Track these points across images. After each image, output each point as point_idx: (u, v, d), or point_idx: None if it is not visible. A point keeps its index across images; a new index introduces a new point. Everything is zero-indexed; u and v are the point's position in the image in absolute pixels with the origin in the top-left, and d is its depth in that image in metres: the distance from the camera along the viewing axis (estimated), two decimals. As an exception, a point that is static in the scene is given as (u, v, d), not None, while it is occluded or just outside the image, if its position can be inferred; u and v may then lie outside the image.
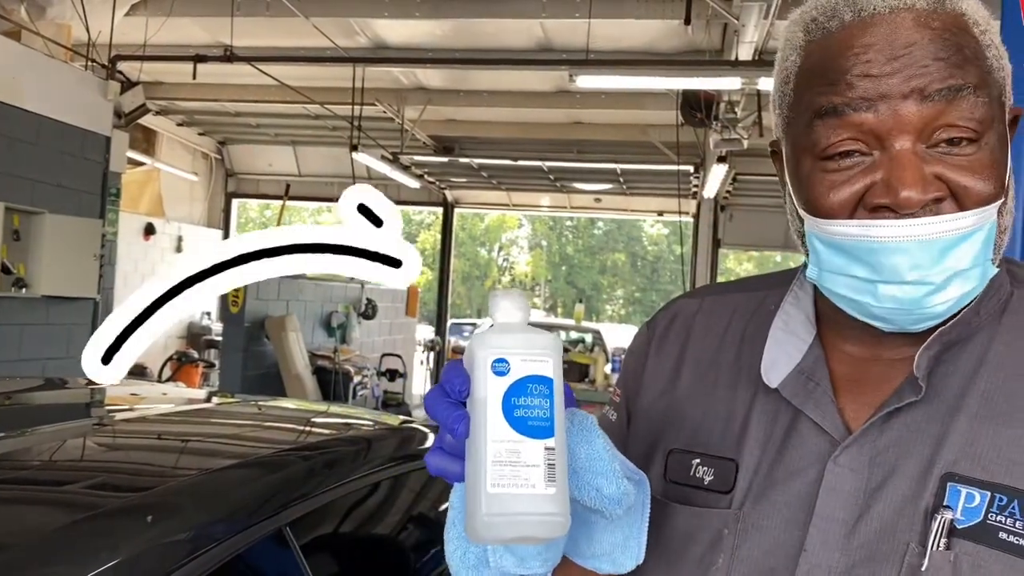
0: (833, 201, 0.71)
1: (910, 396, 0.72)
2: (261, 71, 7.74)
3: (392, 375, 9.29)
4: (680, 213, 10.58)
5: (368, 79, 8.46)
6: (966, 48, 0.69)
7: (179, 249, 11.82)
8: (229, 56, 7.09)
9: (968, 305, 0.73)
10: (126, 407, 1.95)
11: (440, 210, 14.11)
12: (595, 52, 6.92)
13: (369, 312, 9.41)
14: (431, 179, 12.63)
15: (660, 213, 14.11)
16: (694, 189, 11.38)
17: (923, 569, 0.67)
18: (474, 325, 19.69)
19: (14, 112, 5.25)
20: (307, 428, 1.91)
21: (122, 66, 7.51)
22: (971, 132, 0.68)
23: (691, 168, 10.52)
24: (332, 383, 7.72)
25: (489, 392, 0.62)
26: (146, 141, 11.11)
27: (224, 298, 7.26)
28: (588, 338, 10.64)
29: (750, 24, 5.81)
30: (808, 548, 0.72)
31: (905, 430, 0.72)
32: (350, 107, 8.56)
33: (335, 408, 2.45)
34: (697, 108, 7.58)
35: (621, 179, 12.15)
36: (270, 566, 1.38)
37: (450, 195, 13.80)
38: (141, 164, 11.06)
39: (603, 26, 6.68)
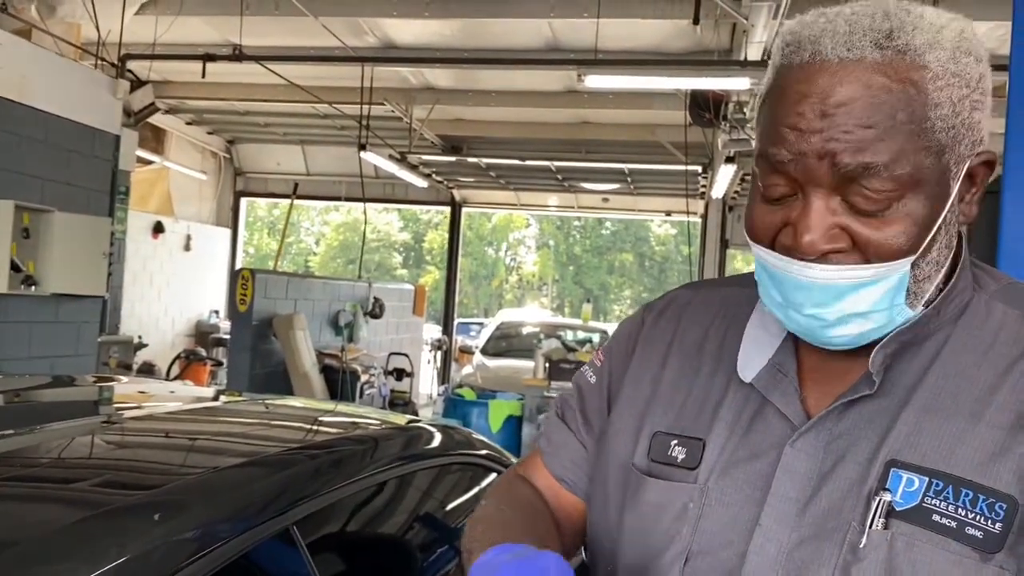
0: (759, 228, 0.79)
1: (864, 390, 0.78)
2: (270, 70, 7.75)
3: (399, 374, 9.30)
4: (688, 213, 10.57)
5: (377, 78, 8.48)
6: (901, 112, 0.71)
7: (188, 248, 11.87)
8: (238, 55, 7.11)
9: (930, 306, 0.79)
10: (134, 405, 1.95)
11: (448, 209, 14.11)
12: (603, 52, 6.91)
13: (376, 311, 9.41)
14: (439, 178, 12.64)
15: (668, 213, 14.10)
16: (702, 189, 11.36)
17: (861, 546, 0.73)
18: (481, 324, 19.68)
19: (24, 110, 5.28)
20: (314, 427, 1.91)
21: (131, 65, 7.54)
22: (877, 204, 0.72)
23: (699, 168, 10.50)
24: (339, 382, 7.73)
25: None
26: (155, 140, 11.15)
27: (232, 296, 7.27)
28: (595, 338, 10.65)
29: (759, 24, 5.80)
30: (763, 523, 0.78)
31: (859, 420, 0.79)
32: (358, 106, 8.58)
33: (342, 407, 2.46)
34: (706, 108, 7.57)
35: (629, 179, 12.14)
36: (277, 565, 1.38)
37: (458, 194, 13.81)
38: (150, 163, 11.10)
39: (611, 26, 6.68)
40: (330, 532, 1.55)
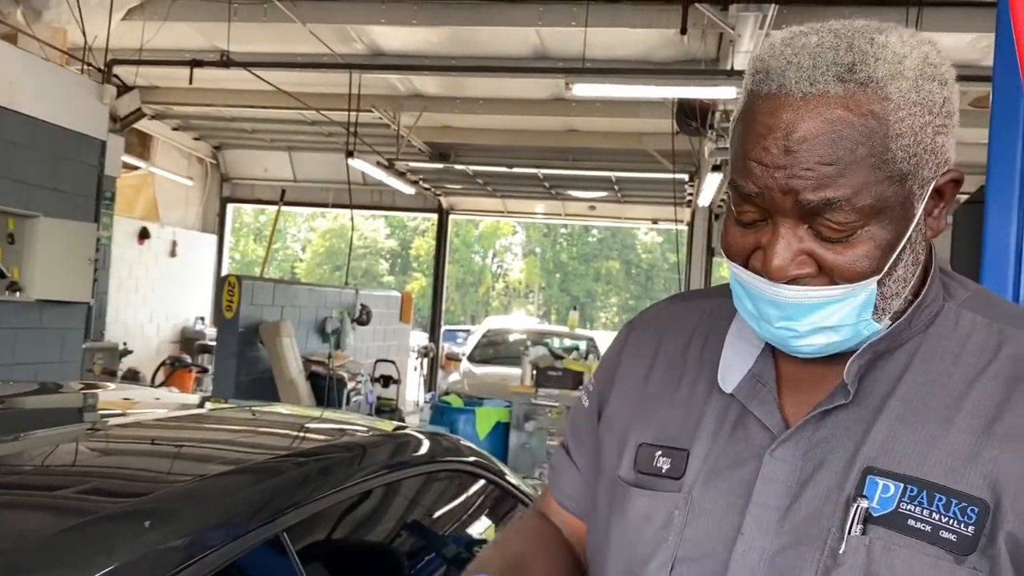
0: (733, 249, 0.82)
1: (840, 399, 0.81)
2: (258, 76, 7.75)
3: (386, 381, 9.28)
4: (675, 221, 10.61)
5: (364, 85, 8.47)
6: (862, 146, 0.73)
7: (173, 254, 11.81)
8: (226, 61, 7.10)
9: (901, 318, 0.82)
10: (119, 412, 1.94)
11: (435, 216, 14.12)
12: (591, 61, 6.94)
13: (363, 318, 9.39)
14: (426, 185, 12.64)
15: (655, 221, 14.15)
16: (689, 197, 11.41)
17: (841, 552, 0.76)
18: (468, 331, 19.66)
19: (9, 115, 5.25)
20: (302, 434, 1.91)
21: (118, 70, 7.52)
22: (841, 233, 0.75)
23: (686, 176, 10.55)
24: (326, 389, 7.70)
25: None
26: (141, 145, 11.11)
27: (218, 303, 7.24)
28: (582, 345, 10.66)
29: (745, 34, 5.84)
30: (744, 532, 0.80)
31: (836, 428, 0.81)
32: (346, 113, 8.57)
33: (329, 414, 2.45)
34: (692, 117, 7.60)
35: (616, 187, 12.18)
36: (267, 572, 1.38)
37: (445, 201, 13.82)
38: (136, 168, 11.05)
39: (599, 35, 6.70)
40: (319, 539, 1.55)
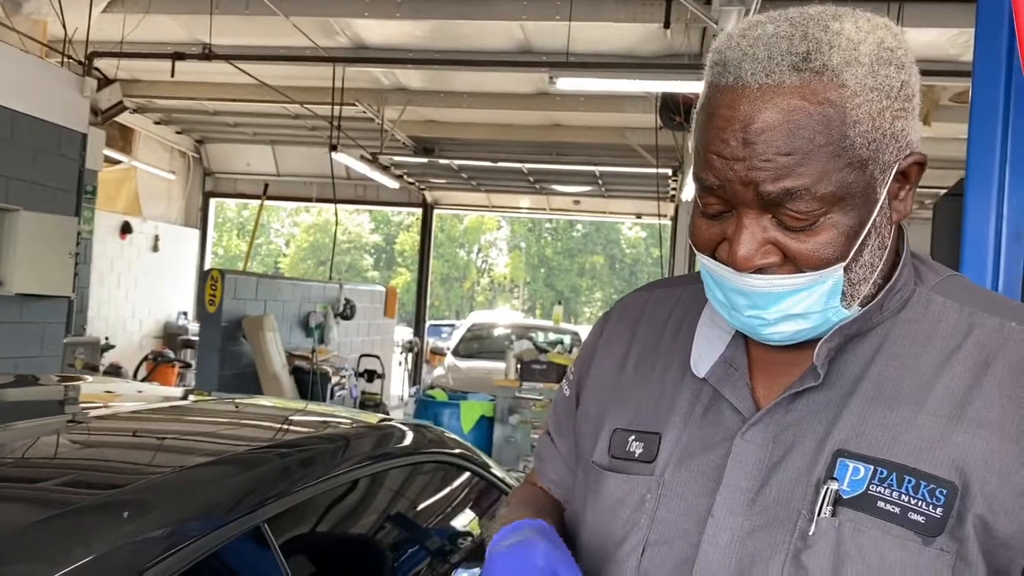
0: (700, 240, 0.83)
1: (811, 382, 0.81)
2: (240, 69, 7.70)
3: (370, 376, 9.26)
4: (659, 216, 10.63)
5: (348, 79, 8.44)
6: (819, 135, 0.74)
7: (156, 248, 11.73)
8: (208, 54, 7.05)
9: (872, 302, 0.82)
10: (101, 404, 1.93)
11: (419, 211, 14.08)
12: (575, 55, 6.94)
13: (347, 312, 9.36)
14: (411, 180, 12.61)
15: (638, 215, 14.18)
16: (672, 192, 11.43)
17: (811, 533, 0.76)
18: (452, 326, 19.64)
19: (-12, 108, 5.20)
20: (284, 426, 1.91)
21: (99, 63, 7.45)
22: (804, 221, 0.76)
23: (669, 171, 10.57)
24: (310, 383, 7.68)
25: None
26: (123, 139, 11.02)
27: (201, 297, 7.20)
28: (567, 339, 10.67)
29: (728, 28, 5.84)
30: (715, 514, 0.81)
31: (806, 411, 0.81)
32: (329, 107, 8.53)
33: (313, 406, 2.45)
34: (676, 111, 7.61)
35: (600, 181, 12.19)
36: (248, 563, 1.38)
37: (429, 196, 13.79)
38: (118, 162, 10.96)
39: (583, 29, 6.70)
40: (301, 531, 1.55)
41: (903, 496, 0.75)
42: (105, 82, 7.27)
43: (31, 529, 1.14)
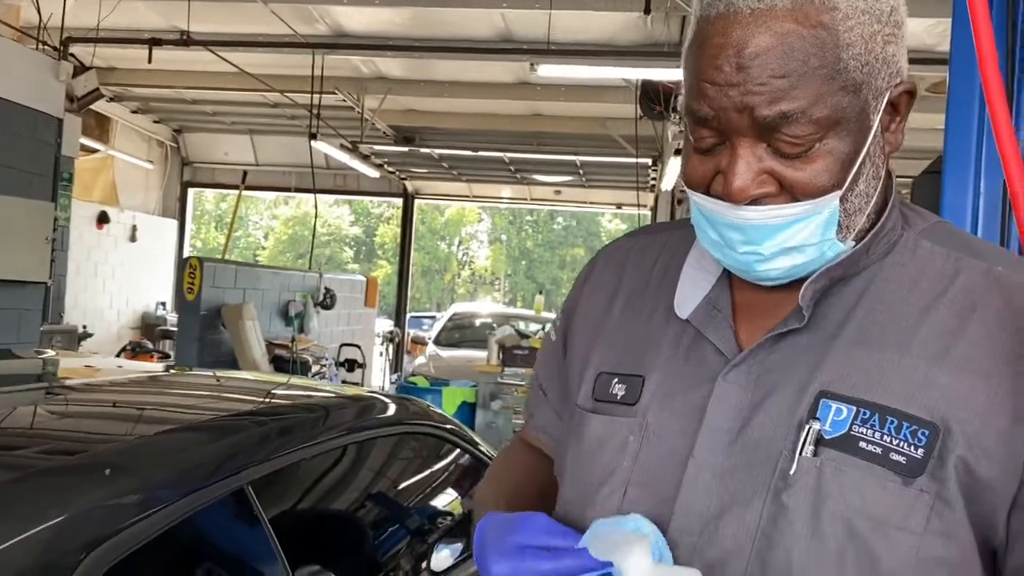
0: (693, 177, 0.82)
1: (794, 323, 0.81)
2: (219, 56, 7.63)
3: (351, 365, 9.23)
4: (639, 206, 10.65)
5: (328, 67, 8.39)
6: (813, 57, 0.74)
7: (133, 239, 11.62)
8: (186, 40, 6.98)
9: (860, 244, 0.82)
10: (81, 377, 1.92)
11: (400, 201, 14.03)
12: (555, 44, 6.93)
13: (327, 302, 9.33)
14: (391, 169, 12.56)
15: (619, 206, 14.21)
16: (652, 182, 11.47)
17: (792, 473, 0.76)
18: (433, 318, 19.61)
19: (-38, 92, 5.13)
20: (266, 397, 1.90)
21: (75, 50, 7.36)
22: (800, 147, 0.75)
23: (649, 161, 10.60)
24: (289, 372, 7.66)
25: None
26: (99, 128, 10.90)
27: (180, 285, 7.15)
28: (547, 326, 10.69)
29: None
30: (696, 454, 0.81)
31: (789, 353, 0.81)
32: (309, 95, 8.48)
33: (296, 380, 2.45)
34: (656, 100, 7.63)
35: (581, 171, 12.20)
36: (233, 523, 1.38)
37: (410, 186, 13.74)
38: (95, 151, 10.85)
39: (563, 18, 6.70)
40: (285, 495, 1.55)
41: (885, 437, 0.75)
42: (81, 69, 7.19)
43: (5, 488, 1.13)
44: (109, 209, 11.01)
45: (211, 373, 2.01)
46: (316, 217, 11.61)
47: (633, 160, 9.52)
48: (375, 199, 32.06)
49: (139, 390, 1.76)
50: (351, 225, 35.06)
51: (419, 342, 12.06)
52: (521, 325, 10.93)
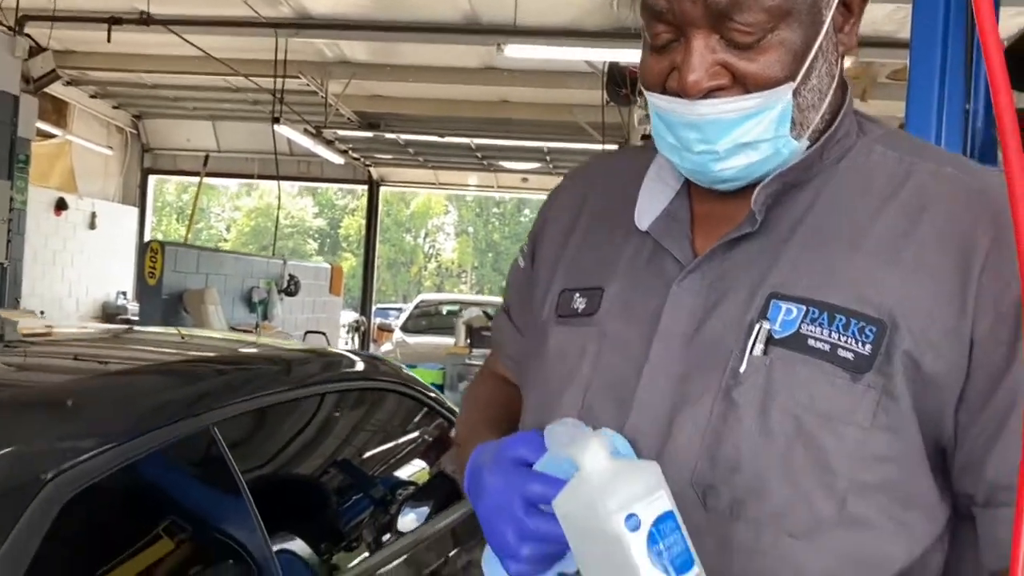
0: (649, 77, 0.82)
1: (747, 228, 0.82)
2: (181, 36, 7.51)
3: (316, 352, 9.16)
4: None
5: (291, 51, 8.29)
6: None
7: (93, 226, 11.42)
8: (146, 20, 6.86)
9: (813, 147, 0.83)
10: (43, 332, 1.88)
11: (365, 188, 13.94)
12: (521, 27, 6.91)
13: (291, 288, 9.26)
14: (355, 155, 12.47)
15: (585, 194, 14.23)
16: (618, 169, 11.50)
17: (742, 371, 0.77)
18: (399, 309, 19.53)
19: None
20: (230, 348, 1.88)
21: (31, 31, 7.19)
22: (752, 36, 0.76)
23: (615, 147, 10.65)
24: (254, 358, 7.58)
25: (635, 553, 0.66)
26: (57, 113, 10.68)
27: (141, 269, 7.05)
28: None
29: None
30: (651, 359, 0.82)
31: (742, 258, 0.82)
32: (272, 79, 8.38)
33: (263, 339, 2.42)
34: (622, 84, 7.65)
35: (548, 158, 12.22)
36: (197, 464, 1.36)
37: (375, 172, 13.65)
38: (52, 136, 10.64)
39: (530, 1, 6.69)
40: (251, 439, 1.53)
41: (833, 334, 0.76)
42: (37, 49, 7.04)
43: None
44: (67, 196, 10.80)
45: (175, 330, 1.98)
46: (279, 203, 11.50)
47: (600, 147, 9.55)
48: (340, 189, 31.87)
49: (102, 343, 1.72)
50: (315, 217, 34.82)
51: (385, 329, 12.01)
52: (490, 311, 10.94)
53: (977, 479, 0.76)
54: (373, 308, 14.59)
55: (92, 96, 11.28)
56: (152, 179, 13.34)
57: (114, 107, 11.91)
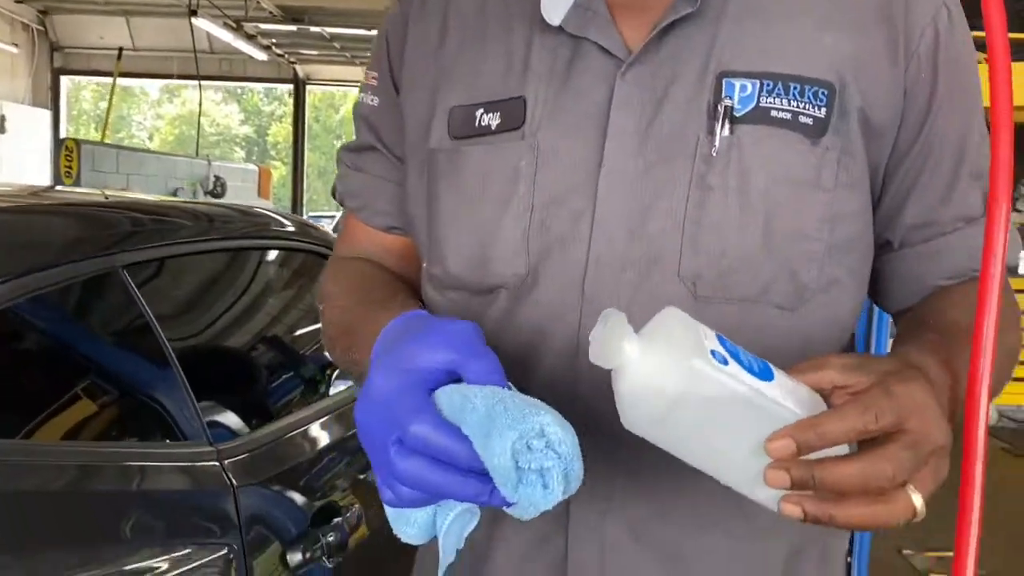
0: None
1: (688, 8, 0.77)
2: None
3: (247, 255, 8.99)
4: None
5: (206, -65, 7.85)
6: None
7: (2, 129, 10.85)
8: None
9: None
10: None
11: (291, 87, 13.47)
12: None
13: (217, 190, 9.00)
14: (280, 52, 12.01)
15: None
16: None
17: (713, 154, 0.75)
18: (332, 217, 19.24)
19: None
20: (150, 202, 1.78)
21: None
22: None
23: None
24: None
25: (735, 384, 0.57)
26: (-48, 7, 10.01)
27: (57, 169, 6.75)
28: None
29: None
30: (606, 163, 0.77)
31: (682, 41, 0.78)
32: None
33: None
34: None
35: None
36: (107, 303, 1.29)
37: (301, 70, 13.18)
38: (-52, 32, 9.98)
39: None
40: (169, 288, 1.46)
41: (792, 102, 0.76)
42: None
43: None
44: (-29, 97, 10.22)
45: (100, 191, 1.86)
46: (200, 105, 11.06)
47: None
48: (266, 95, 30.84)
49: (16, 198, 1.60)
50: (241, 124, 33.77)
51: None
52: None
53: (896, 225, 0.80)
54: (305, 216, 14.32)
55: (-9, -11, 10.58)
56: (65, 81, 12.68)
57: (17, 1, 11.18)
